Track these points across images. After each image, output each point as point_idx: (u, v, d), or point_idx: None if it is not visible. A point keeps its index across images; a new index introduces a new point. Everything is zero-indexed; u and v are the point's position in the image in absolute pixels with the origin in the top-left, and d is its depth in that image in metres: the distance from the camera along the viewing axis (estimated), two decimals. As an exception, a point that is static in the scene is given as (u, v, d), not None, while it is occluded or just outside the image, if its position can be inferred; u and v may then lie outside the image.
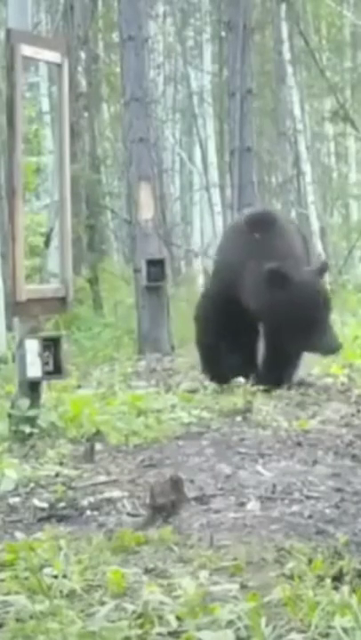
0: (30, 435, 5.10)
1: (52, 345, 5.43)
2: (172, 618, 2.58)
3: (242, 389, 6.00)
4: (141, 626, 2.56)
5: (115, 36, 15.62)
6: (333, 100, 18.52)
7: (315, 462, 4.56)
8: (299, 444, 4.95)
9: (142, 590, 2.75)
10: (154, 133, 13.79)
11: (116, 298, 15.00)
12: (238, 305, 6.59)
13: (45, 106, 16.97)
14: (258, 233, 6.66)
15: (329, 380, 6.78)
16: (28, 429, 5.12)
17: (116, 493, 4.03)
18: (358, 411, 5.86)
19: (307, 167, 17.04)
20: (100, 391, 6.50)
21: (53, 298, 5.57)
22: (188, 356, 9.46)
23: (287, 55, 16.45)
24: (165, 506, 3.60)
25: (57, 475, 4.36)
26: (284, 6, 16.11)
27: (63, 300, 5.60)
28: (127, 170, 11.26)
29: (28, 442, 5.04)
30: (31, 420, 5.19)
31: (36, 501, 3.98)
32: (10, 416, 5.25)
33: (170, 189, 20.19)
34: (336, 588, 2.71)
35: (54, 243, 10.51)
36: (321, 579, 2.81)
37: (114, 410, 5.65)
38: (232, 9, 12.22)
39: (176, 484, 3.68)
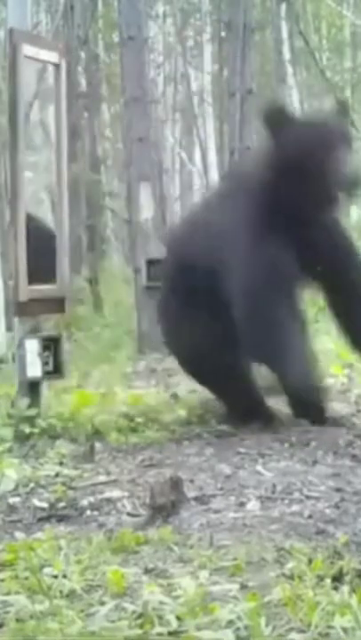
0: (30, 435, 5.11)
1: (51, 345, 5.44)
2: (172, 618, 2.58)
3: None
4: (141, 626, 2.56)
5: (115, 36, 15.62)
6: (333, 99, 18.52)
7: (315, 462, 4.55)
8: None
9: (142, 590, 2.75)
10: (154, 133, 13.80)
11: (116, 298, 15.01)
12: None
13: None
14: None
15: (329, 380, 6.78)
16: (27, 429, 5.13)
17: (116, 493, 4.03)
18: (358, 411, 5.86)
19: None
20: (100, 391, 6.50)
21: (53, 298, 5.58)
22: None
23: (287, 55, 16.47)
24: (165, 506, 3.60)
25: (57, 475, 4.36)
26: (284, 6, 16.13)
27: (62, 301, 5.61)
28: (127, 170, 11.26)
29: (28, 442, 5.05)
30: (31, 420, 5.19)
31: (36, 501, 3.98)
32: (10, 416, 5.26)
33: (170, 189, 20.21)
34: (336, 588, 2.71)
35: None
36: (321, 579, 2.80)
37: (114, 410, 5.65)
38: (232, 9, 12.24)
39: (176, 484, 3.68)
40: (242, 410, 5.32)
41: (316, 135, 5.05)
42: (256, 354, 5.14)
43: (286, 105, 5.51)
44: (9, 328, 9.40)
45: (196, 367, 5.57)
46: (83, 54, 16.55)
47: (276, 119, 5.09)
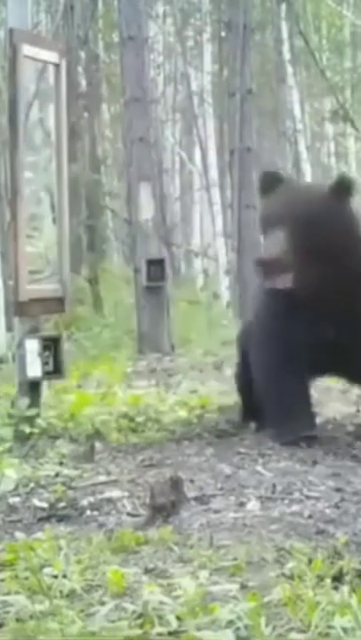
0: (30, 435, 5.11)
1: (51, 345, 5.43)
2: (172, 618, 2.58)
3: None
4: (141, 626, 2.56)
5: (115, 36, 15.62)
6: (333, 99, 18.54)
7: (315, 462, 4.56)
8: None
9: (142, 590, 2.74)
10: (154, 133, 13.79)
11: (116, 298, 15.03)
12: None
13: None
14: None
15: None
16: (28, 429, 5.13)
17: (116, 493, 4.03)
18: (358, 411, 5.86)
19: (307, 167, 17.07)
20: (100, 391, 6.50)
21: (53, 298, 5.58)
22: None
23: (287, 55, 16.51)
24: (165, 506, 3.60)
25: (57, 475, 4.36)
26: (284, 6, 16.16)
27: (62, 301, 5.61)
28: (127, 170, 11.26)
29: (28, 442, 5.05)
30: (31, 420, 5.19)
31: (36, 501, 3.98)
32: (10, 416, 5.26)
33: (170, 189, 20.22)
34: (336, 588, 2.71)
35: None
36: (321, 579, 2.80)
37: (114, 410, 5.66)
38: (232, 9, 12.24)
39: (176, 483, 3.68)
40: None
41: (270, 209, 5.04)
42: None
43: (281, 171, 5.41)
44: (9, 328, 9.40)
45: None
46: (83, 54, 16.56)
47: (270, 183, 5.08)
